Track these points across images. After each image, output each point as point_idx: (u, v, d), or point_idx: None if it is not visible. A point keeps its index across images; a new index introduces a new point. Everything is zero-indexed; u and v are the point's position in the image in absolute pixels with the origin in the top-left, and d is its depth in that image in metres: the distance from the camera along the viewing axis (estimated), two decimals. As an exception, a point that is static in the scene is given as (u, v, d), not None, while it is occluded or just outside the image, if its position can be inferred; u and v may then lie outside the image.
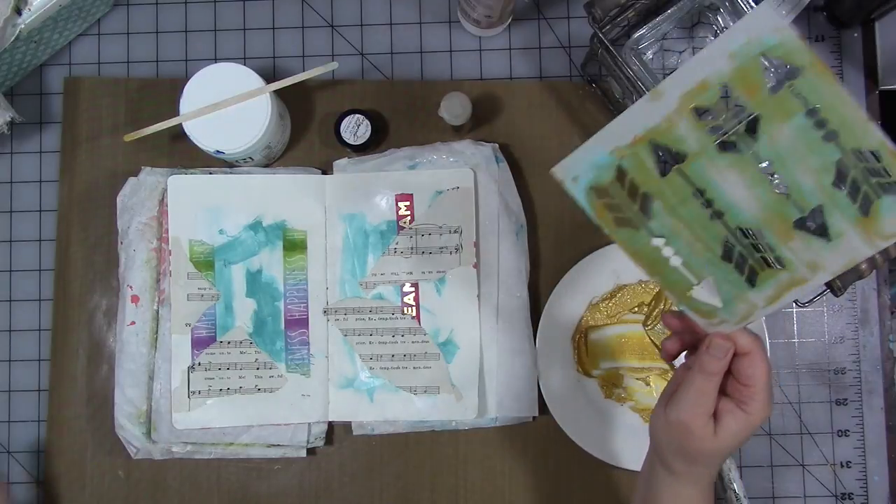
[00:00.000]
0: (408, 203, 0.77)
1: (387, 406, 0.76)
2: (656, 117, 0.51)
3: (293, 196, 0.77)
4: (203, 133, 0.72)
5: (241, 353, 0.76)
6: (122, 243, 0.77)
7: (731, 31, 0.49)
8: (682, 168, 0.52)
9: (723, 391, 0.55)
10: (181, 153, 0.79)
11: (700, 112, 0.50)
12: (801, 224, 0.52)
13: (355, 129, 0.77)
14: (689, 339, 0.57)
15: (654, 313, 0.77)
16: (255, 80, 0.72)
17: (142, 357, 0.76)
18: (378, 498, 0.77)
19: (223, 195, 0.76)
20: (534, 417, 0.77)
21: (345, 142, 0.77)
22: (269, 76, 0.75)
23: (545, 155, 0.80)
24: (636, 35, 0.70)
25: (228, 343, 0.76)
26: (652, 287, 0.78)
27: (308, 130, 0.80)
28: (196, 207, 0.76)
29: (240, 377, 0.76)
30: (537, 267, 0.79)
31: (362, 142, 0.76)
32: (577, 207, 0.80)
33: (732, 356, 0.54)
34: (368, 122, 0.76)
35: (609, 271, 0.78)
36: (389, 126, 0.80)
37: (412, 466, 0.78)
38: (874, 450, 0.78)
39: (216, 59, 0.81)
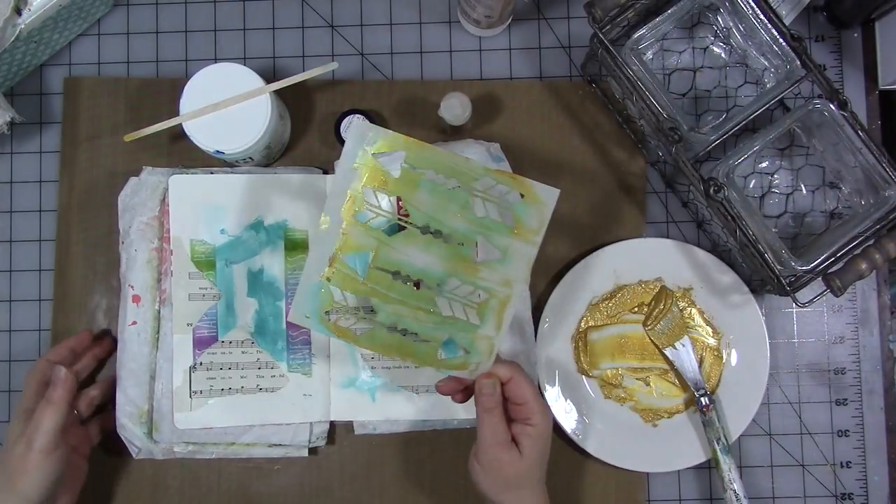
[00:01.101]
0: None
1: (388, 405, 0.76)
2: (335, 236, 0.62)
3: (294, 195, 0.77)
4: (203, 133, 0.72)
5: (242, 352, 0.76)
6: (123, 243, 0.77)
7: (345, 152, 0.62)
8: (373, 263, 0.63)
9: (511, 420, 0.64)
10: (181, 153, 0.79)
11: (359, 215, 0.62)
12: (476, 258, 0.63)
13: (355, 129, 0.77)
14: (470, 392, 0.65)
15: (654, 313, 0.77)
16: (255, 80, 0.72)
17: (143, 357, 0.75)
18: (378, 497, 0.77)
19: (224, 195, 0.76)
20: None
21: (345, 142, 0.77)
22: (269, 76, 0.75)
23: (545, 155, 0.80)
24: (636, 35, 0.70)
25: (230, 343, 0.76)
26: (652, 287, 0.78)
27: (308, 130, 0.80)
28: (197, 207, 0.76)
29: (241, 377, 0.76)
30: (537, 267, 0.79)
31: (362, 142, 0.76)
32: (577, 207, 0.80)
33: (502, 387, 0.64)
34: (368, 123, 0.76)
35: (609, 271, 0.78)
36: (389, 126, 0.80)
37: (413, 466, 0.78)
38: (874, 450, 0.78)
39: (216, 59, 0.81)
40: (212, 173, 0.77)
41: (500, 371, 0.64)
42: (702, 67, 0.79)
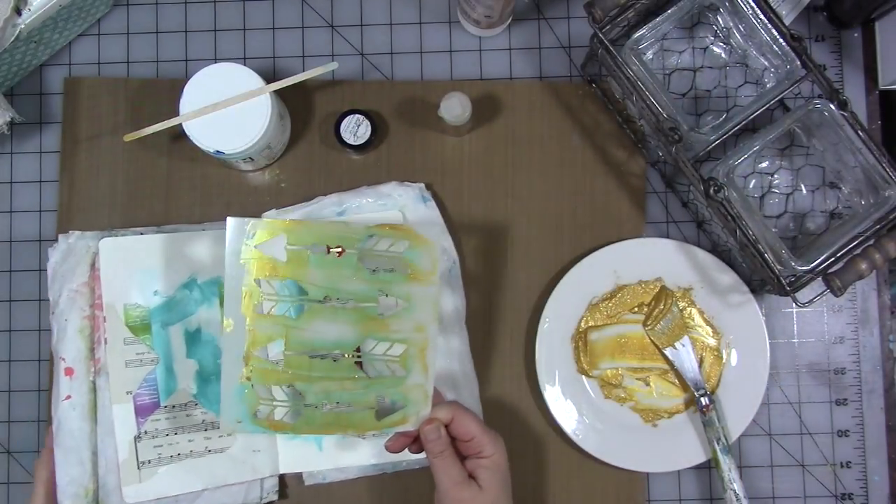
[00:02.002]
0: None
1: (336, 454, 0.75)
2: (242, 336, 0.62)
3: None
4: (203, 133, 0.72)
5: (187, 415, 0.74)
6: (53, 313, 0.74)
7: (228, 252, 0.63)
8: (286, 349, 0.63)
9: (464, 458, 0.64)
10: (181, 153, 0.79)
11: (260, 308, 0.63)
12: (382, 314, 0.64)
13: (355, 129, 0.77)
14: (420, 443, 0.65)
15: (654, 313, 0.77)
16: (255, 80, 0.72)
17: (82, 432, 0.72)
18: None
19: (155, 255, 0.74)
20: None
21: (345, 142, 0.77)
22: (269, 76, 0.75)
23: (545, 155, 0.80)
24: (636, 35, 0.70)
25: (173, 407, 0.74)
26: (652, 287, 0.78)
27: (308, 130, 0.80)
28: (129, 270, 0.74)
29: (189, 441, 0.74)
30: (537, 267, 0.79)
31: (362, 142, 0.76)
32: (577, 207, 0.80)
33: (447, 428, 0.64)
34: (368, 122, 0.76)
35: (609, 271, 0.78)
36: (389, 126, 0.80)
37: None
38: (874, 450, 0.78)
39: (216, 59, 0.81)
40: (141, 234, 0.76)
41: (440, 414, 0.64)
42: (702, 67, 0.79)
